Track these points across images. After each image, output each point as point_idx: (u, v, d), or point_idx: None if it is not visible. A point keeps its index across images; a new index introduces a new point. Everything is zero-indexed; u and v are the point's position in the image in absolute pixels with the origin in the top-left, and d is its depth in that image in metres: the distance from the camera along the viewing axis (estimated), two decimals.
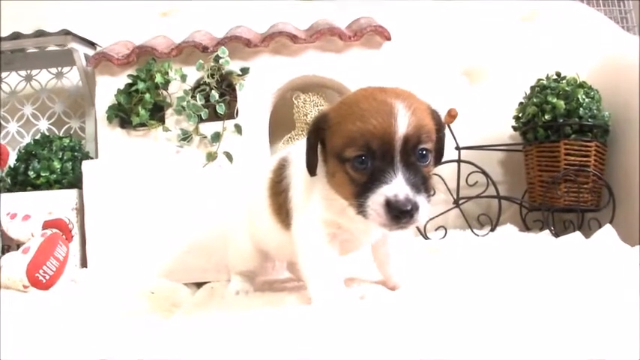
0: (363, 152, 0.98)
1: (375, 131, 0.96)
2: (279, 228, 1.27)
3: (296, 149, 1.25)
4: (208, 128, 1.88)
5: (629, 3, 3.15)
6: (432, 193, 1.03)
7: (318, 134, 1.08)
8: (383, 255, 1.32)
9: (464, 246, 1.79)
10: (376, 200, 0.96)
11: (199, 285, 1.72)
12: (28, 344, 1.04)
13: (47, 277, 1.59)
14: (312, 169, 1.10)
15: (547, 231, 1.90)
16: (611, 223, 1.80)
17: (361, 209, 0.98)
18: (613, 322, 0.86)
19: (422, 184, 0.98)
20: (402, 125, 0.96)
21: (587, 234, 1.74)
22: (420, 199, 0.95)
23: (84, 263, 1.85)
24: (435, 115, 1.08)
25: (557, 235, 1.85)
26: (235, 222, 1.53)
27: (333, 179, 1.07)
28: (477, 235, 1.94)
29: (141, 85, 1.87)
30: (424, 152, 1.00)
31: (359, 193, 0.99)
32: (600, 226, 1.76)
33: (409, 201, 0.93)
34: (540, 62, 2.33)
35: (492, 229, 2.01)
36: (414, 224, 0.97)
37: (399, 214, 0.93)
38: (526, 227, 2.12)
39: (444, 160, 1.94)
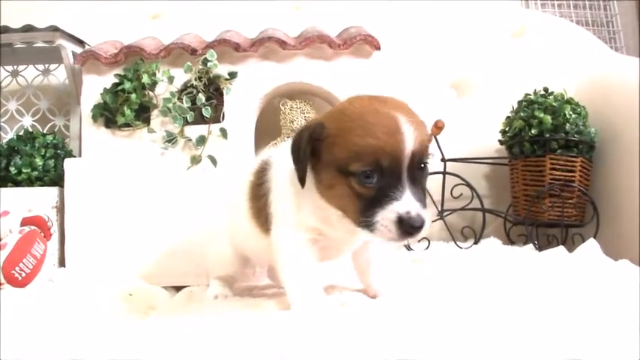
0: (372, 168, 0.97)
1: (386, 148, 0.96)
2: (259, 232, 1.26)
3: (278, 152, 1.24)
4: (194, 131, 1.86)
5: (618, 24, 3.19)
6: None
7: (313, 145, 1.04)
8: (364, 263, 1.32)
9: (447, 258, 1.79)
10: (387, 217, 0.95)
11: (179, 289, 1.70)
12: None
13: (23, 274, 1.57)
14: (303, 181, 1.06)
15: (530, 245, 1.90)
16: (594, 238, 1.79)
17: (367, 224, 0.98)
18: (595, 335, 0.86)
19: (424, 197, 1.00)
20: (410, 141, 0.96)
21: (571, 249, 1.74)
22: (426, 214, 0.96)
23: (62, 262, 1.82)
24: None
25: (540, 249, 1.85)
26: (216, 225, 1.51)
27: (330, 191, 1.04)
28: (461, 248, 1.94)
29: (127, 85, 1.85)
30: (423, 166, 1.02)
31: (365, 207, 0.98)
32: (584, 242, 1.76)
33: (420, 217, 0.94)
34: (528, 78, 2.33)
35: (476, 242, 2.01)
36: (417, 238, 1.00)
37: (411, 229, 0.94)
38: (510, 241, 2.12)
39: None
